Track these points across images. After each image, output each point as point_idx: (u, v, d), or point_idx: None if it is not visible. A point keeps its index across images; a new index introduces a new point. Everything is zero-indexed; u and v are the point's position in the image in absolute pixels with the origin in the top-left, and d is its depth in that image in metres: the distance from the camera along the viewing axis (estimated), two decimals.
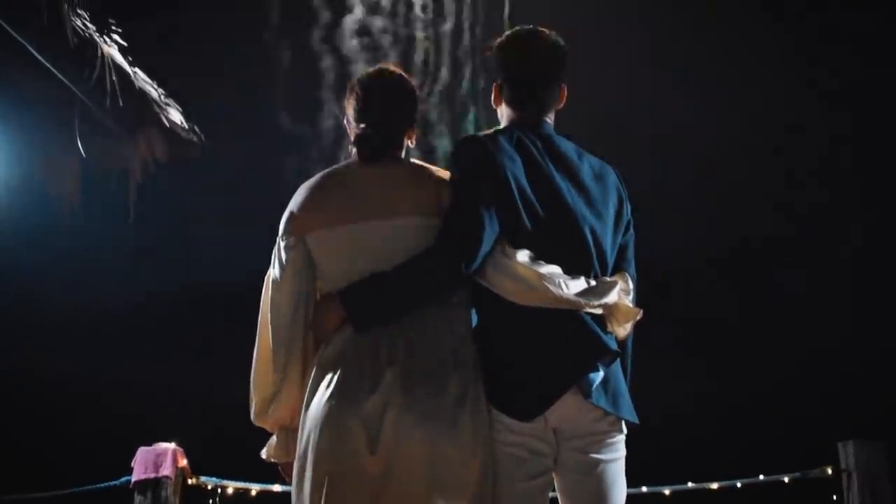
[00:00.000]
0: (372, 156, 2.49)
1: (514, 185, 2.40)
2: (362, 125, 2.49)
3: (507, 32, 2.67)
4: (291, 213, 2.49)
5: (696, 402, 6.59)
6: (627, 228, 2.59)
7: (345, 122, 2.58)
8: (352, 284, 2.39)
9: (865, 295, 6.68)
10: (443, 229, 2.36)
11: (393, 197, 2.43)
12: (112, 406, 5.71)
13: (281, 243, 2.48)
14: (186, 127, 4.87)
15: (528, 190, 2.42)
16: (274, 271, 2.48)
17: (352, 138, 2.54)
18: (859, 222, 6.91)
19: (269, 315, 2.47)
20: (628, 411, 2.46)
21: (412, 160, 2.61)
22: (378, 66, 2.64)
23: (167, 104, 4.74)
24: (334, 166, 2.57)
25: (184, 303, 5.78)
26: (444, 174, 2.49)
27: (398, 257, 2.35)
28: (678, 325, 6.54)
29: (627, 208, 2.59)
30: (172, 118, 4.77)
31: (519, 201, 2.39)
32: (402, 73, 2.66)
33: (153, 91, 4.61)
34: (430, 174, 2.50)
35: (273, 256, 2.49)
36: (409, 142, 2.61)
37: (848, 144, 6.97)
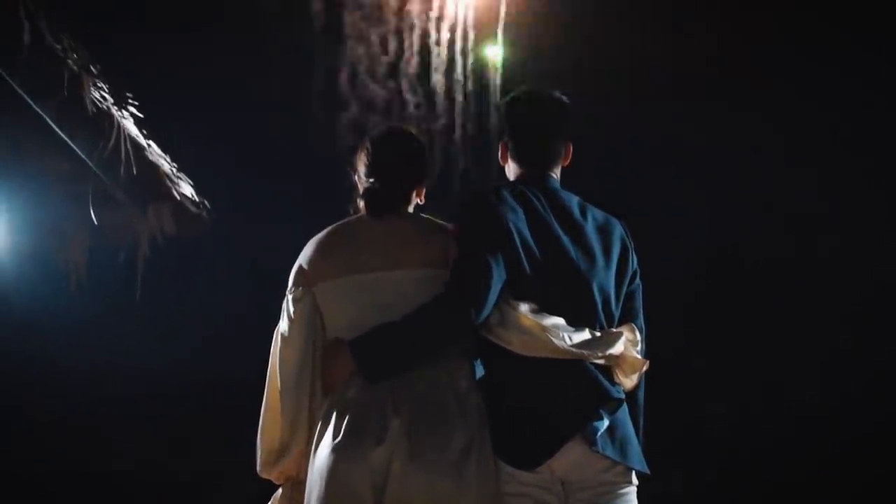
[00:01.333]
0: (379, 209, 2.57)
1: (516, 236, 2.44)
2: (371, 180, 2.57)
3: (513, 91, 2.76)
4: (300, 267, 2.56)
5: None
6: (633, 278, 2.62)
7: (355, 178, 2.66)
8: (361, 336, 2.40)
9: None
10: (450, 278, 2.39)
11: (399, 249, 2.48)
12: (117, 497, 5.63)
13: (289, 296, 2.53)
14: (196, 200, 4.92)
15: (531, 241, 2.46)
16: (282, 324, 2.52)
17: (360, 192, 2.62)
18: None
19: (277, 367, 2.50)
20: (637, 460, 2.44)
21: (419, 214, 2.67)
22: (389, 124, 2.72)
23: (179, 177, 4.81)
24: (342, 220, 2.63)
25: (197, 388, 5.71)
26: (451, 227, 2.54)
27: (404, 308, 2.39)
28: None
29: (633, 259, 2.62)
30: (183, 191, 4.83)
31: (521, 251, 2.43)
32: (413, 132, 2.75)
33: (165, 164, 4.68)
34: (437, 227, 2.56)
35: (282, 309, 2.52)
36: (418, 199, 2.67)
37: None
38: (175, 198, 4.84)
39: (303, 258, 2.55)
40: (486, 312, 2.34)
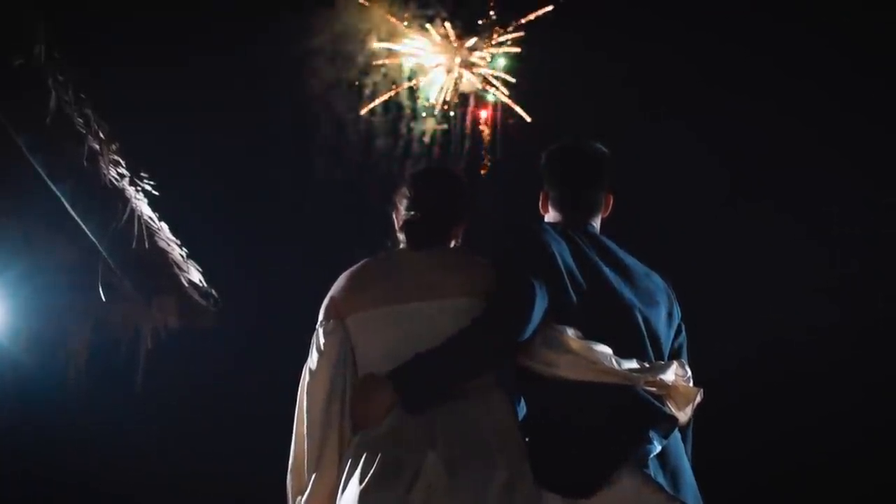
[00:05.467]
0: (419, 240, 2.51)
1: (560, 262, 2.39)
2: (412, 213, 2.55)
3: (555, 143, 2.80)
4: (331, 298, 2.47)
5: None
6: (679, 331, 2.57)
7: (393, 215, 2.63)
8: (401, 366, 2.34)
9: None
10: (493, 298, 2.35)
11: (439, 278, 2.40)
12: None
13: (319, 329, 2.44)
14: (205, 288, 4.84)
15: (576, 269, 2.42)
16: (311, 359, 2.43)
17: (399, 226, 2.59)
18: None
19: (304, 404, 2.42)
20: (692, 495, 2.32)
21: (461, 247, 2.65)
22: (430, 165, 2.74)
23: (188, 263, 4.76)
24: (377, 254, 2.60)
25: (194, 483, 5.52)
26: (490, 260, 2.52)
27: (441, 340, 2.33)
28: None
29: (677, 310, 2.58)
30: (192, 278, 4.76)
31: (566, 278, 2.39)
32: (455, 172, 2.77)
33: (175, 249, 4.65)
34: (479, 258, 2.52)
35: (311, 344, 2.46)
36: (457, 240, 2.65)
37: None
38: (183, 286, 4.77)
39: (335, 290, 2.49)
40: (528, 330, 2.30)
